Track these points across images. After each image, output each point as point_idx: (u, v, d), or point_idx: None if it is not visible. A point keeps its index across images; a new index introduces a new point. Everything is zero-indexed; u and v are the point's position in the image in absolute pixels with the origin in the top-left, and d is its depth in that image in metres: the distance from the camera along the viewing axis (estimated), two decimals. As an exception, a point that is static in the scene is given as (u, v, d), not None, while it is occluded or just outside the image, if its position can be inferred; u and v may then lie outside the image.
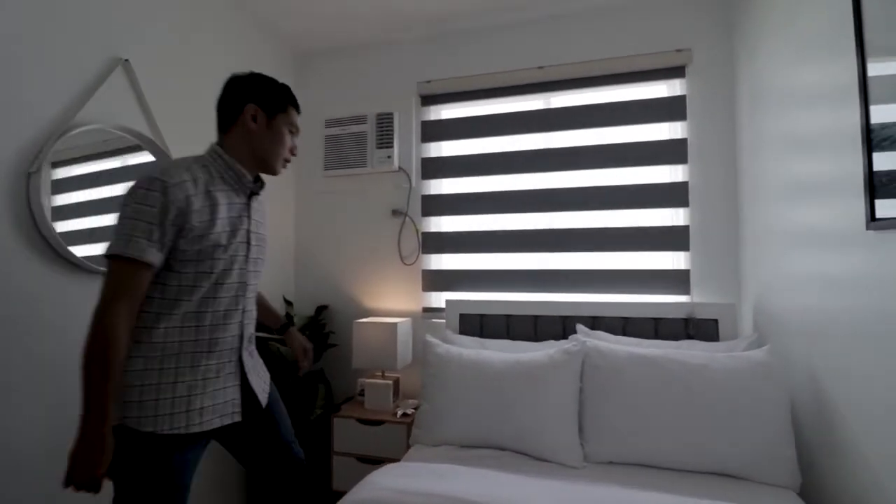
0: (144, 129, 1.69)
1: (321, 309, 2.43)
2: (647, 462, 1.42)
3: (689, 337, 1.85)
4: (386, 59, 2.50)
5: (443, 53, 2.41)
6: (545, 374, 1.57)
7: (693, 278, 2.04)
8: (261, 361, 1.27)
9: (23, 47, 1.34)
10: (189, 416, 1.04)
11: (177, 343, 1.04)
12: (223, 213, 1.08)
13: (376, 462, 1.93)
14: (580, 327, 1.88)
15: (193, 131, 1.92)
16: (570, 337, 1.75)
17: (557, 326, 2.00)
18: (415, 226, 2.39)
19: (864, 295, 1.12)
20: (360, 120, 2.46)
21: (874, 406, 1.10)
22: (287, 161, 1.22)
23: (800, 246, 1.46)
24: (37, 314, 1.36)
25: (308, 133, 2.59)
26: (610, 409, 1.49)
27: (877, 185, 1.09)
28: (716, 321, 1.84)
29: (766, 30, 1.70)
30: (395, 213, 2.41)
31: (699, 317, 1.85)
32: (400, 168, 2.40)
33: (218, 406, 1.10)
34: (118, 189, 1.64)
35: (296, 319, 2.35)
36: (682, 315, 1.87)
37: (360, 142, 2.46)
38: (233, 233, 1.10)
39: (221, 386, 1.11)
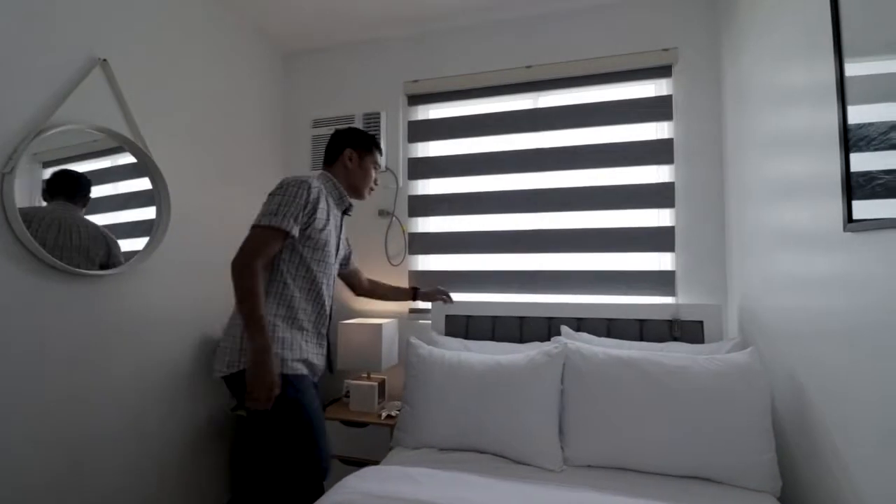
0: (124, 130, 1.67)
1: (308, 310, 2.42)
2: (626, 465, 1.41)
3: (675, 339, 1.83)
4: (373, 59, 2.49)
5: (430, 53, 2.40)
6: (525, 376, 1.56)
7: (678, 279, 2.02)
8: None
9: (-5, 47, 1.33)
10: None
11: (301, 310, 1.43)
12: (332, 218, 1.51)
13: (361, 464, 1.91)
14: (565, 329, 1.86)
15: (175, 132, 1.91)
16: (552, 339, 1.73)
17: (543, 328, 1.99)
18: (402, 226, 2.38)
19: (843, 297, 1.11)
20: (348, 120, 2.45)
21: (852, 409, 1.09)
22: (372, 189, 1.68)
23: (782, 247, 1.45)
24: (8, 317, 1.35)
25: (295, 133, 2.58)
26: (590, 412, 1.48)
27: (854, 186, 1.07)
28: (701, 323, 1.83)
29: (749, 30, 1.68)
30: (382, 213, 2.40)
31: (684, 318, 1.84)
32: (387, 168, 2.39)
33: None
34: (107, 189, 1.64)
35: (282, 320, 2.34)
36: (667, 316, 1.85)
37: (348, 142, 2.44)
38: (334, 233, 1.52)
39: (320, 350, 1.52)
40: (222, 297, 2.12)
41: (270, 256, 1.35)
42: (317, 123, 2.49)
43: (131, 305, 1.72)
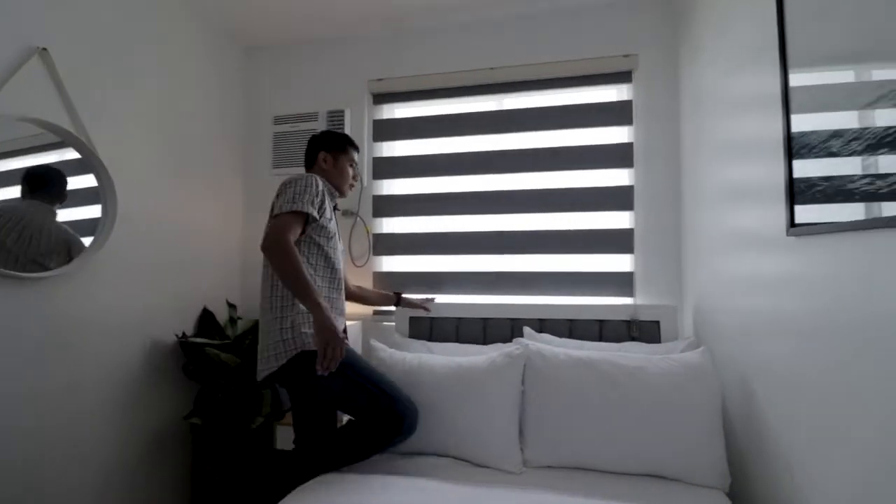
0: (65, 123, 1.58)
1: (268, 312, 2.35)
2: (584, 465, 1.43)
3: (633, 339, 1.87)
4: (338, 56, 2.44)
5: (395, 52, 2.37)
6: (487, 378, 1.55)
7: (637, 280, 2.07)
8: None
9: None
10: None
11: (325, 288, 1.53)
12: (332, 212, 1.62)
13: (320, 470, 1.87)
14: (527, 330, 1.87)
15: (124, 127, 1.82)
16: (514, 340, 1.74)
17: (506, 329, 1.99)
18: (366, 227, 2.34)
19: (788, 298, 1.15)
20: (311, 117, 2.39)
21: (796, 408, 1.13)
22: (352, 186, 1.75)
23: (733, 249, 1.49)
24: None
25: (256, 130, 2.50)
26: (550, 413, 1.49)
27: (796, 192, 1.11)
28: (658, 323, 1.87)
29: (704, 39, 1.73)
30: (346, 213, 2.35)
31: (642, 319, 1.88)
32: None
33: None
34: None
35: (241, 323, 2.26)
36: (625, 317, 1.89)
37: (311, 140, 2.39)
38: (336, 225, 1.64)
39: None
40: (173, 299, 2.05)
41: (295, 238, 1.41)
42: (278, 120, 2.42)
43: (72, 309, 1.62)
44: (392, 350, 1.77)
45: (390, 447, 1.46)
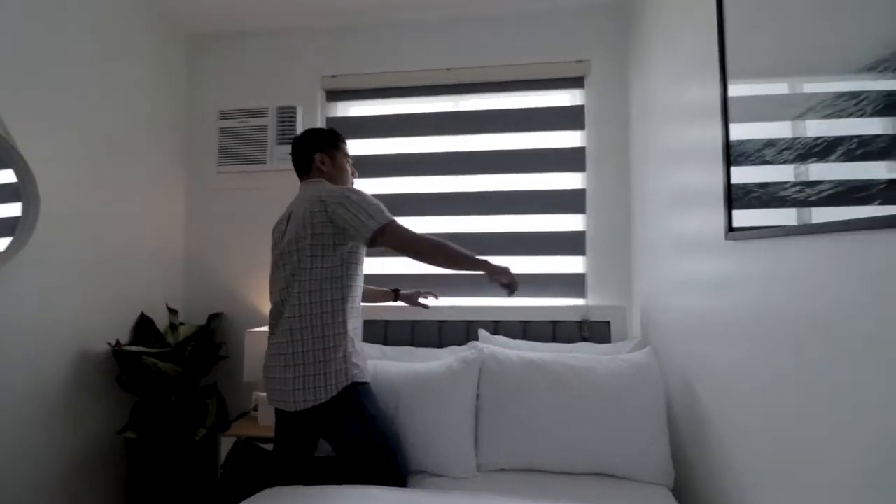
0: (-22, 114, 1.43)
1: (214, 317, 2.24)
2: (535, 467, 1.43)
3: (584, 339, 1.91)
4: (290, 50, 2.36)
5: (350, 48, 2.32)
6: (443, 384, 1.53)
7: (589, 282, 2.11)
8: None
9: None
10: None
11: (354, 319, 1.43)
12: None
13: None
14: (482, 332, 1.87)
15: (50, 120, 1.67)
16: (469, 343, 1.73)
17: (461, 332, 1.98)
18: (318, 228, 2.26)
19: (726, 299, 1.20)
20: (261, 113, 2.30)
21: (734, 405, 1.18)
22: (352, 184, 1.61)
23: (676, 252, 1.55)
24: None
25: (200, 124, 2.38)
26: (503, 416, 1.49)
27: (734, 198, 1.16)
28: (608, 323, 1.92)
29: (652, 48, 1.79)
30: (297, 213, 2.27)
31: (593, 319, 1.92)
32: (302, 166, 2.27)
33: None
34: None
35: (183, 329, 2.14)
36: (577, 318, 1.93)
37: (260, 136, 2.30)
38: None
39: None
40: (107, 304, 1.90)
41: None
42: (225, 115, 2.32)
43: (-13, 316, 1.48)
44: (344, 355, 1.72)
45: None
